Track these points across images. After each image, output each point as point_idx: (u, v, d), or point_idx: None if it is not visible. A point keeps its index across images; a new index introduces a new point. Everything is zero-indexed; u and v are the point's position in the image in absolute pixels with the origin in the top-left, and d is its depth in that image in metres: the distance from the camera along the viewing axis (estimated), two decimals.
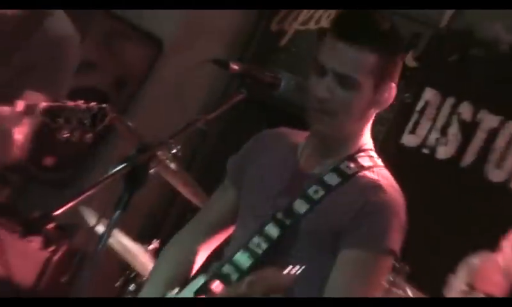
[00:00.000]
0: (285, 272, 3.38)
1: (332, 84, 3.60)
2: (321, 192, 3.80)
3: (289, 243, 3.87)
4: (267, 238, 3.87)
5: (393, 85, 3.72)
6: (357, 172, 3.81)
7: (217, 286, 3.74)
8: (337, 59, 3.61)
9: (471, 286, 4.85)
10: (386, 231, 3.70)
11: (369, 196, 3.74)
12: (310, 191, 3.81)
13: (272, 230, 3.86)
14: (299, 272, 3.35)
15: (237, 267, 3.90)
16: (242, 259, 3.90)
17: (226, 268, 3.92)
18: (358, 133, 3.87)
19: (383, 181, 3.76)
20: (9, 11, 5.25)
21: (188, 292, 4.01)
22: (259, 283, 3.53)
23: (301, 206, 3.83)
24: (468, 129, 6.91)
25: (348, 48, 3.60)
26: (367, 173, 3.82)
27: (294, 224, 3.87)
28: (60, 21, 5.31)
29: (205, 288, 3.90)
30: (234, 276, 3.88)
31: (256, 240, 3.89)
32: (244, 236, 3.99)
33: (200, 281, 3.95)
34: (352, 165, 3.85)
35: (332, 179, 3.82)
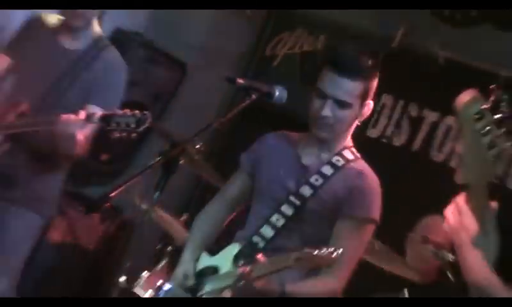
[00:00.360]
0: (327, 253, 3.78)
1: (332, 107, 4.19)
2: (320, 180, 4.31)
3: (299, 219, 4.35)
4: (284, 215, 4.33)
5: (371, 102, 4.37)
6: (345, 164, 4.36)
7: (261, 257, 4.13)
8: (336, 89, 4.17)
9: (425, 239, 5.00)
10: (370, 206, 4.31)
11: (356, 182, 4.35)
12: (312, 179, 4.32)
13: (287, 209, 4.33)
14: (339, 254, 3.77)
15: (263, 237, 4.32)
16: (267, 231, 4.32)
17: (255, 238, 4.33)
18: (345, 136, 4.43)
19: (364, 170, 4.42)
20: (73, 46, 5.50)
21: (225, 257, 4.41)
22: (306, 259, 3.89)
23: (306, 191, 4.32)
24: (416, 123, 7.30)
25: (344, 80, 4.15)
26: (352, 164, 4.40)
27: (302, 204, 4.32)
28: (112, 53, 5.62)
29: (243, 254, 4.31)
30: (261, 244, 4.30)
31: (275, 217, 4.33)
32: (263, 214, 4.42)
33: (235, 248, 4.36)
34: (341, 159, 4.39)
35: (327, 170, 4.35)
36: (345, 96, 4.16)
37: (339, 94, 4.15)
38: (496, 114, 2.36)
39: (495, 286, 2.67)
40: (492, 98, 2.38)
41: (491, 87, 2.44)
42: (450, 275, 3.30)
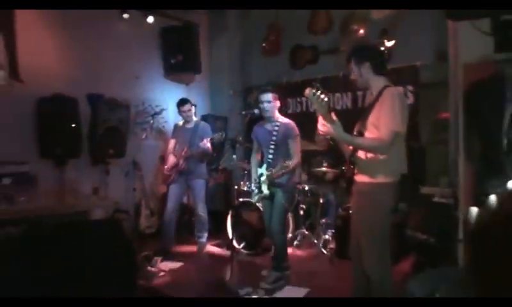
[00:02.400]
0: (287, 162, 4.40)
1: (266, 104, 4.64)
2: (276, 132, 4.66)
3: (276, 147, 4.64)
4: (271, 148, 4.65)
5: (278, 102, 4.76)
6: (280, 123, 4.70)
7: (274, 167, 4.51)
8: (265, 98, 4.67)
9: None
10: (295, 131, 4.66)
11: (287, 126, 4.67)
12: (273, 133, 4.67)
13: (272, 146, 4.66)
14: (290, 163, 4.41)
15: (270, 159, 4.63)
16: (269, 156, 4.64)
17: (268, 159, 4.65)
18: (275, 113, 4.76)
19: (288, 121, 4.74)
20: (190, 126, 5.86)
21: (263, 168, 4.70)
22: (286, 167, 4.42)
23: (273, 138, 4.65)
24: (300, 103, 7.12)
25: (267, 95, 4.67)
26: (283, 121, 4.73)
27: (275, 142, 4.63)
28: (204, 123, 5.99)
29: (267, 166, 4.62)
30: (270, 161, 4.61)
31: (270, 150, 4.66)
32: (266, 151, 4.72)
33: (265, 166, 4.68)
34: (278, 122, 4.72)
35: (275, 128, 4.68)
36: (269, 99, 4.65)
37: (267, 99, 4.65)
38: (319, 91, 2.79)
39: (350, 138, 3.12)
40: (315, 86, 2.79)
41: (313, 83, 2.89)
42: (332, 143, 3.18)
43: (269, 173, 4.54)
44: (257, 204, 5.37)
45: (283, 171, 4.47)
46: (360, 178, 3.27)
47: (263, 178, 4.66)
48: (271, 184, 4.64)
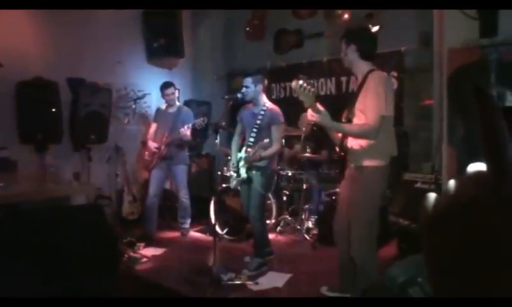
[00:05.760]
0: (267, 141, 4.39)
1: (246, 89, 4.56)
2: (261, 116, 4.59)
3: (259, 131, 4.57)
4: (254, 132, 4.59)
5: (260, 85, 4.62)
6: (266, 108, 4.61)
7: (251, 149, 4.50)
8: (245, 83, 4.58)
9: (304, 120, 5.16)
10: (280, 118, 4.58)
11: (272, 112, 4.58)
12: (258, 117, 4.59)
13: (254, 129, 4.59)
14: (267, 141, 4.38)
15: (251, 142, 4.58)
16: (251, 139, 4.59)
17: (248, 143, 4.61)
18: (261, 98, 4.66)
19: (273, 107, 4.64)
20: (172, 110, 5.78)
21: (242, 151, 4.69)
22: (262, 146, 4.42)
23: (258, 121, 4.57)
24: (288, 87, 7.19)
25: (245, 79, 4.59)
26: (269, 107, 4.64)
27: (258, 126, 4.56)
28: (186, 108, 5.91)
29: (246, 149, 4.62)
30: (250, 144, 4.57)
31: (252, 133, 4.60)
32: (248, 134, 4.65)
33: (244, 149, 4.68)
34: (264, 107, 4.63)
35: (261, 112, 4.59)
36: (247, 84, 4.57)
37: (245, 84, 4.58)
38: (305, 83, 2.84)
39: (338, 125, 3.18)
40: (301, 78, 2.86)
41: (299, 76, 2.93)
42: (315, 129, 3.39)
43: (247, 154, 4.51)
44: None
45: (261, 154, 4.44)
46: (351, 163, 3.29)
47: (241, 163, 4.62)
48: (249, 168, 4.59)
